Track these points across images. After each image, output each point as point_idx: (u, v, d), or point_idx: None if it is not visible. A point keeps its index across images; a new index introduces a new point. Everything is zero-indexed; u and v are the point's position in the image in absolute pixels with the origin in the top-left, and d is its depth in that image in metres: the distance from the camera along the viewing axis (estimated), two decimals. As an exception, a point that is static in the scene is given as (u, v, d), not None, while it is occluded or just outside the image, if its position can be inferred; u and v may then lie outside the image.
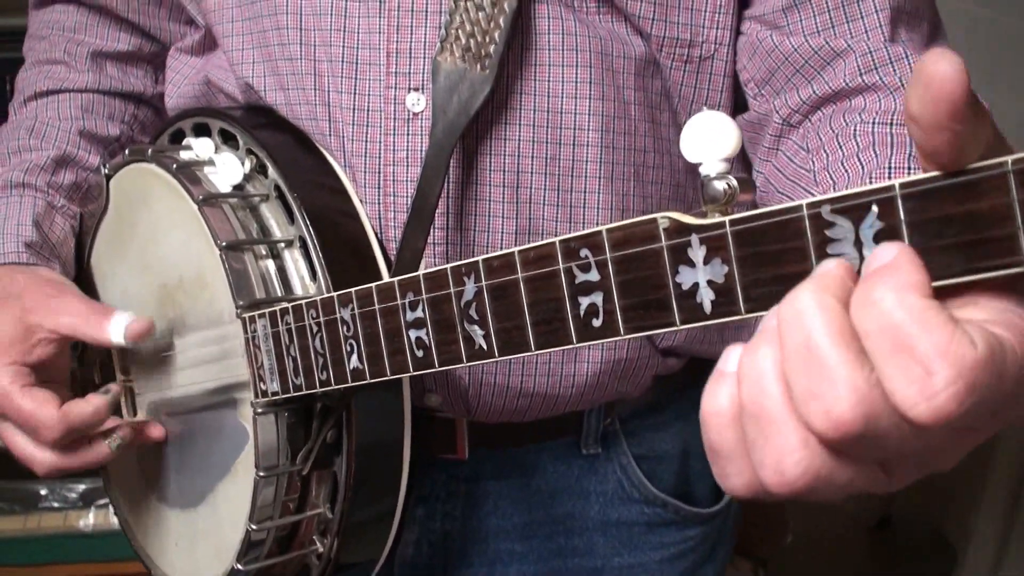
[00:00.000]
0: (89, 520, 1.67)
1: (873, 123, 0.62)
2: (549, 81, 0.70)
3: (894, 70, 0.65)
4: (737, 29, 0.72)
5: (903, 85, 0.64)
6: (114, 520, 1.63)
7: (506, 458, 0.84)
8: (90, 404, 0.73)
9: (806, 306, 0.32)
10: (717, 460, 0.37)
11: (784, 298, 0.33)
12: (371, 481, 0.69)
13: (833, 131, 0.64)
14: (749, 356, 0.35)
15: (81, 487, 1.70)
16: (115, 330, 0.72)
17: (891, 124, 0.61)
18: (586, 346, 0.74)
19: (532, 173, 0.71)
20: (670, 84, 0.73)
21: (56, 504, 1.69)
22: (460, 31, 0.67)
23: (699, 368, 0.87)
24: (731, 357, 0.36)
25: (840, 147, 0.62)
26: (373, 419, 0.68)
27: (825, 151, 0.63)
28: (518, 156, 0.70)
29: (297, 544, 0.73)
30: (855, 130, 0.62)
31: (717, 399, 0.36)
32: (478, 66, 0.66)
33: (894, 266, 0.31)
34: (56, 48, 0.90)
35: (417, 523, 0.84)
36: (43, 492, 1.70)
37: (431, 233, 0.69)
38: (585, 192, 0.72)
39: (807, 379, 0.32)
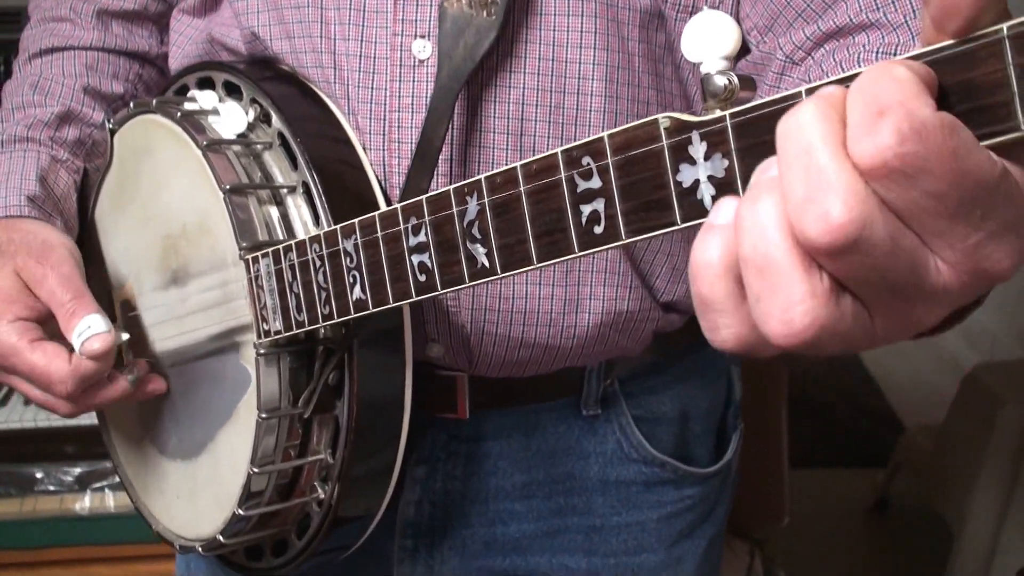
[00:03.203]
0: (85, 503, 1.68)
1: (877, 52, 0.62)
2: (555, 30, 0.70)
3: (896, 8, 0.65)
4: None
5: (906, 23, 0.64)
6: (110, 503, 1.64)
7: (507, 418, 0.84)
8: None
9: (805, 120, 0.32)
10: (707, 313, 0.37)
11: (783, 116, 0.33)
12: (373, 425, 0.70)
13: (836, 61, 0.64)
14: (749, 207, 0.34)
15: (77, 470, 1.71)
16: (76, 339, 0.70)
17: (895, 55, 0.62)
18: (588, 291, 0.75)
19: (536, 120, 0.71)
20: (674, 37, 0.74)
21: (52, 487, 1.70)
22: None
23: (699, 329, 0.87)
24: (723, 209, 0.36)
25: (844, 73, 0.63)
26: (375, 361, 0.68)
27: (829, 78, 0.64)
28: (522, 103, 0.71)
29: (298, 492, 0.73)
30: (859, 58, 0.62)
31: (708, 251, 0.36)
32: (484, 12, 0.67)
33: (898, 58, 0.32)
34: (62, 5, 0.90)
35: (418, 483, 0.84)
36: (39, 475, 1.71)
37: (434, 179, 0.69)
38: None
39: (805, 187, 0.32)
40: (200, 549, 0.76)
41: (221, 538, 0.74)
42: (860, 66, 0.61)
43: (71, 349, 0.72)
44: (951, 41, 0.31)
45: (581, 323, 0.76)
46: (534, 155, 0.70)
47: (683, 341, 0.87)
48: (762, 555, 1.80)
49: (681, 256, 0.78)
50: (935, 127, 0.30)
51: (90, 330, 0.70)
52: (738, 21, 0.73)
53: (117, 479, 1.64)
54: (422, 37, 0.70)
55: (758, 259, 0.34)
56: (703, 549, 0.93)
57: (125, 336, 0.77)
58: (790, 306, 0.34)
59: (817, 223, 0.32)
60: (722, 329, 0.37)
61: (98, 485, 1.68)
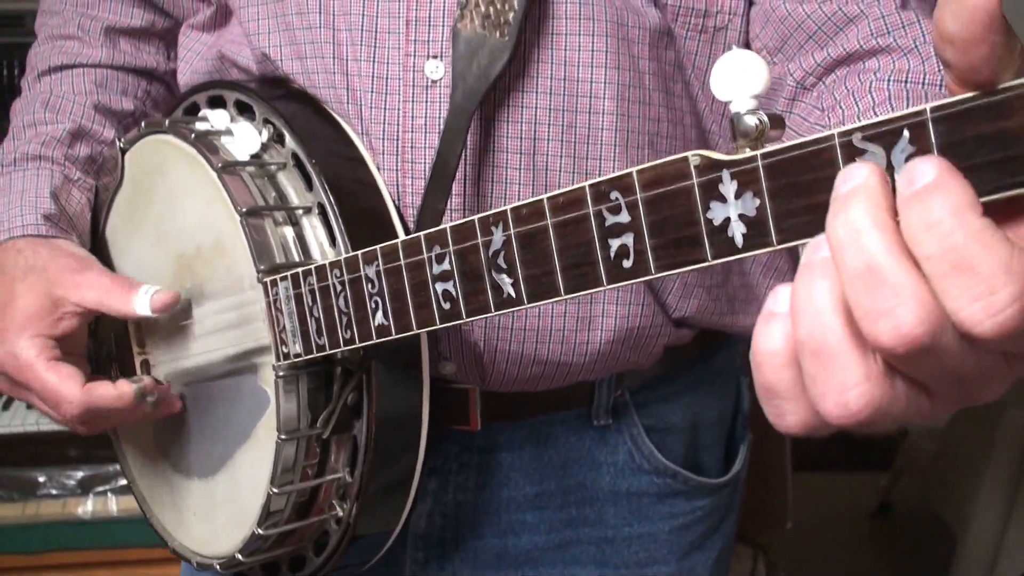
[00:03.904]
0: (88, 507, 1.68)
1: (888, 80, 0.63)
2: (566, 50, 0.71)
3: (906, 33, 0.66)
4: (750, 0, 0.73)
5: (916, 48, 0.65)
6: (113, 507, 1.65)
7: (518, 429, 0.85)
8: (116, 388, 0.73)
9: (863, 226, 0.33)
10: (772, 400, 0.37)
11: (831, 222, 0.34)
12: (391, 444, 0.70)
13: (847, 89, 0.65)
14: (804, 290, 0.35)
15: (80, 474, 1.71)
16: (140, 302, 0.73)
17: (906, 82, 0.62)
18: (601, 309, 0.76)
19: (549, 140, 0.72)
20: (684, 55, 0.75)
21: (54, 491, 1.70)
22: None
23: (709, 341, 0.88)
24: (780, 297, 0.36)
25: (856, 102, 0.63)
26: (393, 382, 0.69)
27: (841, 107, 0.64)
28: (535, 123, 0.71)
29: (316, 510, 0.74)
30: (870, 87, 0.63)
31: (771, 339, 0.36)
32: (497, 33, 0.67)
33: (942, 185, 0.32)
34: (69, 23, 0.90)
35: (430, 495, 0.85)
36: (41, 479, 1.71)
37: (449, 199, 0.70)
38: (600, 159, 0.73)
39: (872, 299, 0.32)
40: (218, 567, 0.77)
41: (240, 556, 0.74)
42: (872, 97, 0.62)
43: (87, 376, 0.73)
44: (984, 91, 0.32)
45: (593, 340, 0.77)
46: (547, 175, 0.72)
47: (693, 353, 0.87)
48: (766, 559, 1.81)
49: (692, 272, 0.79)
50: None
51: (153, 288, 0.74)
52: (747, 43, 0.74)
53: (120, 483, 1.65)
54: (435, 57, 0.71)
55: (813, 343, 0.34)
56: (713, 560, 0.94)
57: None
58: (845, 389, 0.34)
59: (891, 334, 0.32)
60: (788, 415, 0.37)
61: (100, 489, 1.68)
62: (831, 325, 0.34)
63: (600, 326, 0.76)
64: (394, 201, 0.72)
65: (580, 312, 0.76)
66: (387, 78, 0.72)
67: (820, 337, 0.34)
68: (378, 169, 0.73)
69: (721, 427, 0.94)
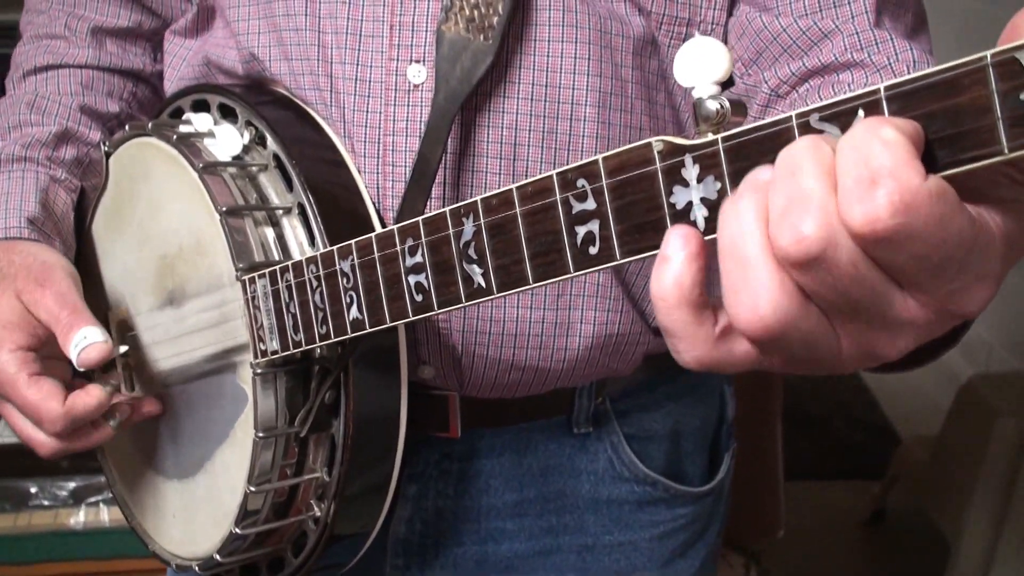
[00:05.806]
0: (80, 518, 1.68)
1: None
2: (548, 56, 0.71)
3: (879, 50, 0.67)
4: (731, 10, 0.74)
5: (889, 65, 0.66)
6: (105, 518, 1.64)
7: (499, 437, 0.85)
8: (92, 397, 0.73)
9: (803, 143, 0.35)
10: (668, 338, 0.40)
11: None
12: (369, 443, 0.70)
13: (821, 99, 0.65)
14: (732, 203, 0.37)
15: (71, 485, 1.71)
16: (73, 348, 0.71)
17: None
18: (579, 315, 0.76)
19: (529, 145, 0.72)
20: (667, 64, 0.75)
21: (46, 502, 1.70)
22: (464, 2, 0.68)
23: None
24: (671, 241, 0.38)
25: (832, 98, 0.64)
26: (371, 380, 0.69)
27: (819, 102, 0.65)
28: (515, 128, 0.72)
29: (294, 510, 0.74)
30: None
31: (660, 283, 0.39)
32: (481, 36, 0.68)
33: (885, 117, 0.33)
34: (56, 23, 0.90)
35: (410, 501, 0.85)
36: (33, 490, 1.71)
37: (428, 203, 0.70)
38: None
39: (784, 200, 0.34)
40: (197, 568, 0.77)
41: (218, 557, 0.74)
42: None
43: (68, 389, 0.72)
44: (936, 68, 0.32)
45: (572, 346, 0.77)
46: (527, 179, 0.72)
47: (673, 361, 0.87)
48: (758, 568, 1.80)
49: None
50: (925, 197, 0.32)
51: (86, 340, 0.71)
52: None
53: (111, 494, 1.65)
54: (417, 62, 0.71)
55: (735, 250, 0.36)
56: (696, 569, 0.94)
57: (122, 348, 0.79)
58: (759, 295, 0.36)
59: (788, 234, 0.34)
60: (682, 353, 0.40)
61: (92, 500, 1.69)
62: (753, 233, 0.36)
63: (578, 332, 0.76)
64: (375, 203, 0.72)
65: (558, 318, 0.76)
66: (370, 81, 0.73)
67: (742, 245, 0.36)
68: (360, 171, 0.73)
69: (704, 435, 0.94)
